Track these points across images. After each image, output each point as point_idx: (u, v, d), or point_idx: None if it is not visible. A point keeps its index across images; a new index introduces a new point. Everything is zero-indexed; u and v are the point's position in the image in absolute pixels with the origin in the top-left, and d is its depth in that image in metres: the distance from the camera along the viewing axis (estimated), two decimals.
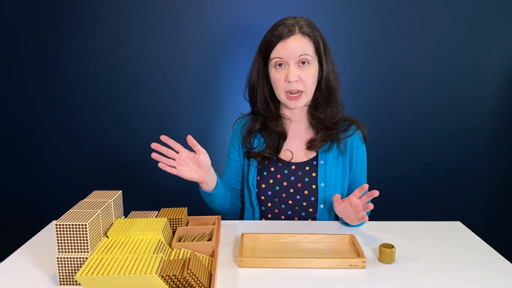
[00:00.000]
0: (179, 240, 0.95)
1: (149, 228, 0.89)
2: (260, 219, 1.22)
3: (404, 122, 1.83)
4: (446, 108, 1.82)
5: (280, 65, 1.11)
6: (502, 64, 1.78)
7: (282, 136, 1.20)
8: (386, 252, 0.89)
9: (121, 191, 0.99)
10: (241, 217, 1.30)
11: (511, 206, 1.92)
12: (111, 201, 0.92)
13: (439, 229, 1.10)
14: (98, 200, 0.91)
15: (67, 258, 0.79)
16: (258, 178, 1.20)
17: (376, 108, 1.81)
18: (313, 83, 1.13)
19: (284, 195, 1.18)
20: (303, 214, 1.19)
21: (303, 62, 1.09)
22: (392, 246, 0.90)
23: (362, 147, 1.23)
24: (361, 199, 0.99)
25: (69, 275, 0.80)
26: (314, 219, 1.19)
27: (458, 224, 1.14)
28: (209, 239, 0.96)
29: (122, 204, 1.00)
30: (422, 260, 0.92)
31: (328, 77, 1.14)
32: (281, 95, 1.14)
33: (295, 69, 1.09)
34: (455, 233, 1.07)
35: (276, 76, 1.12)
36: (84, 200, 0.92)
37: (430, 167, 1.87)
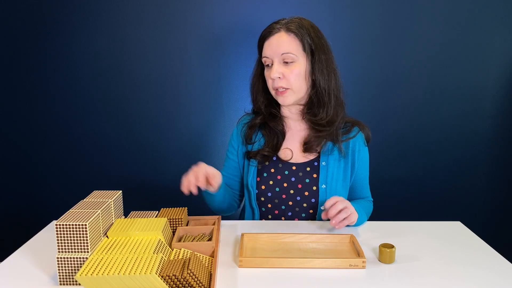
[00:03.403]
0: (179, 240, 0.95)
1: (149, 228, 0.89)
2: (260, 220, 1.22)
3: (404, 123, 1.82)
4: (446, 109, 1.81)
5: (267, 63, 1.13)
6: (506, 66, 1.78)
7: (281, 135, 1.21)
8: (386, 252, 0.89)
9: (121, 191, 0.99)
10: (241, 218, 1.30)
11: (511, 207, 1.92)
12: (111, 201, 0.92)
13: (439, 229, 1.10)
14: (98, 200, 0.91)
15: (67, 258, 0.79)
16: (258, 179, 1.20)
17: (377, 110, 1.81)
18: (299, 80, 1.12)
19: (284, 196, 1.18)
20: (303, 215, 1.18)
21: (287, 60, 1.10)
22: (392, 246, 0.90)
23: (364, 150, 1.22)
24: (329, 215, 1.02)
25: (69, 275, 0.80)
26: (314, 220, 1.18)
27: (458, 224, 1.14)
28: (209, 239, 0.96)
29: (122, 204, 1.00)
30: (422, 260, 0.92)
31: (318, 77, 1.12)
32: (272, 92, 1.16)
33: (278, 66, 1.11)
34: (455, 233, 1.07)
35: (266, 74, 1.15)
36: (84, 200, 0.92)
37: (431, 167, 1.87)
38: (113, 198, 0.94)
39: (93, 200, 0.91)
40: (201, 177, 1.03)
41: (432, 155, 1.85)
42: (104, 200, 0.91)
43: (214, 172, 1.07)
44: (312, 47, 1.11)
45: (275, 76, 1.10)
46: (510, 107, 1.82)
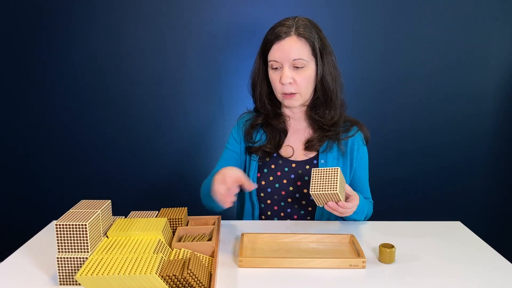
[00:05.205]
0: (179, 240, 0.95)
1: (149, 228, 0.89)
2: (260, 216, 1.22)
3: (405, 124, 1.82)
4: (447, 110, 1.81)
5: (275, 67, 1.12)
6: (506, 67, 1.78)
7: (283, 133, 1.21)
8: (386, 252, 0.89)
9: (110, 201, 0.92)
10: (241, 214, 1.30)
11: (511, 206, 1.92)
12: (99, 212, 0.85)
13: (439, 229, 1.10)
14: (86, 210, 0.85)
15: (67, 258, 0.79)
16: (259, 175, 1.20)
17: (378, 111, 1.80)
18: (309, 85, 1.13)
19: (283, 192, 1.18)
20: (302, 212, 1.19)
21: (298, 66, 1.09)
22: (392, 246, 0.90)
23: (363, 149, 1.23)
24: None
25: (69, 275, 0.80)
26: (312, 217, 1.19)
27: (458, 224, 1.14)
28: (209, 239, 0.96)
29: (111, 213, 0.94)
30: (422, 260, 0.92)
31: (324, 79, 1.13)
32: (278, 94, 1.16)
33: (289, 71, 1.10)
34: (455, 233, 1.07)
35: (273, 77, 1.13)
36: (72, 209, 0.85)
37: (431, 168, 1.86)
38: (101, 208, 0.87)
39: (80, 210, 0.85)
40: (229, 181, 0.91)
41: (432, 155, 1.85)
42: (92, 210, 0.85)
43: (239, 174, 0.94)
44: (320, 50, 1.11)
45: (286, 82, 1.09)
46: (510, 108, 1.82)
